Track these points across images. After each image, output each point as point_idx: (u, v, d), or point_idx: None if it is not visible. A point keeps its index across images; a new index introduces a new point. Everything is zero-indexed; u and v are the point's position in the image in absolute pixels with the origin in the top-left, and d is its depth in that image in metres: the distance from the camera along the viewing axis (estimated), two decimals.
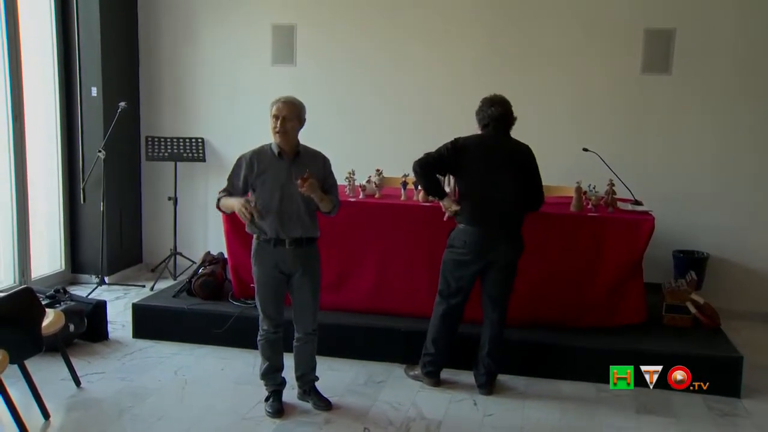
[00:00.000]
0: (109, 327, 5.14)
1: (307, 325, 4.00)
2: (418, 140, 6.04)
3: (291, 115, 3.76)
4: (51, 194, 6.31)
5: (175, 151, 6.46)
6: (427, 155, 4.27)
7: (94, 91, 6.19)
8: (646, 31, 5.81)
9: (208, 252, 5.78)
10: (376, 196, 5.12)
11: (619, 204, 5.02)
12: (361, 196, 5.09)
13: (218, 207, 3.95)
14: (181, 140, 6.51)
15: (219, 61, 6.59)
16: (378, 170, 5.14)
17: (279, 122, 3.75)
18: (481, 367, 4.34)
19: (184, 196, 6.65)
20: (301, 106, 3.83)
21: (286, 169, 3.81)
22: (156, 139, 6.50)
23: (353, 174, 5.16)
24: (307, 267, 3.90)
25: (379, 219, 4.95)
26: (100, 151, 6.02)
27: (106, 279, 6.26)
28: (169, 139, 6.50)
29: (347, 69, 6.36)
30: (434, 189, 4.37)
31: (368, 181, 5.18)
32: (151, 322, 5.09)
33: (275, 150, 3.83)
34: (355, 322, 4.84)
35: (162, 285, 6.05)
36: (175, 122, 6.71)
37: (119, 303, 5.80)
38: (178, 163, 6.50)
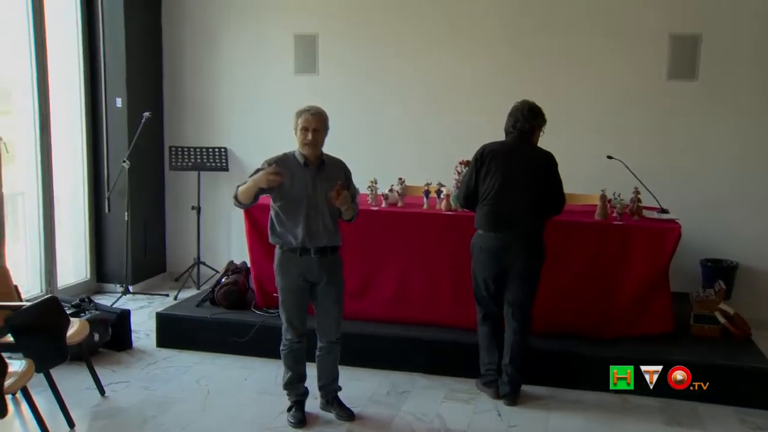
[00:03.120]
0: (133, 336, 5.19)
1: (331, 334, 4.00)
2: (440, 148, 6.16)
3: (320, 126, 3.78)
4: (76, 204, 6.39)
5: (199, 160, 6.52)
6: (461, 188, 4.39)
7: (119, 102, 6.27)
8: (672, 36, 5.76)
9: (231, 261, 5.80)
10: (399, 204, 5.13)
11: (645, 212, 4.97)
12: (383, 205, 5.10)
13: (236, 199, 3.82)
14: (204, 150, 6.56)
15: (242, 71, 6.63)
16: (400, 179, 5.15)
17: (310, 134, 3.76)
18: (504, 376, 4.31)
19: (208, 205, 6.69)
20: (327, 117, 3.86)
21: (312, 178, 3.83)
22: (179, 149, 6.55)
23: (375, 183, 5.16)
24: (332, 276, 3.91)
25: (401, 228, 4.96)
26: (124, 162, 6.09)
27: (131, 288, 6.32)
28: (192, 149, 6.56)
29: (369, 77, 6.37)
30: None
31: (390, 190, 5.19)
32: (174, 332, 5.12)
33: (300, 159, 3.84)
34: (378, 332, 4.84)
35: (185, 294, 6.09)
36: (198, 132, 6.76)
37: (143, 312, 5.84)
38: (202, 173, 6.55)
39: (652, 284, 4.66)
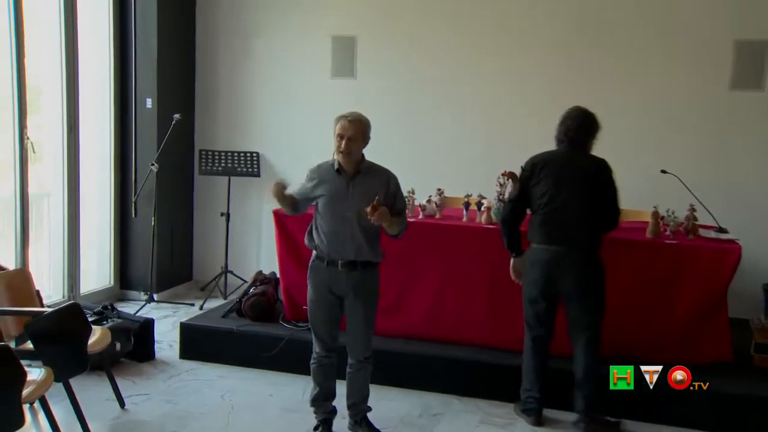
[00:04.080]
0: (156, 346, 5.22)
1: (359, 352, 3.97)
2: (482, 159, 6.14)
3: (356, 134, 3.74)
4: (102, 207, 6.47)
5: (229, 165, 6.56)
6: (505, 203, 4.39)
7: (149, 103, 6.34)
8: (737, 42, 5.63)
9: (260, 271, 5.83)
10: (437, 216, 5.09)
11: (701, 231, 4.87)
12: (420, 217, 5.07)
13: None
14: (235, 154, 6.60)
15: (277, 73, 6.67)
16: (439, 190, 5.13)
17: (344, 143, 3.74)
18: (575, 404, 4.23)
19: (237, 212, 6.72)
20: (367, 124, 3.81)
21: (344, 187, 3.81)
22: (210, 153, 6.60)
23: (413, 193, 5.14)
24: (360, 291, 3.87)
25: (439, 241, 4.93)
26: (153, 164, 6.15)
27: (155, 296, 6.37)
28: (223, 153, 6.60)
29: (409, 83, 6.37)
30: (510, 241, 4.36)
31: (428, 201, 5.16)
32: (198, 343, 5.15)
33: (336, 166, 3.84)
34: (412, 350, 4.81)
35: (211, 304, 6.12)
36: (229, 135, 6.81)
37: (167, 321, 5.89)
38: (232, 178, 6.58)
39: (708, 309, 4.56)
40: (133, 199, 6.34)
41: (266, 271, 5.81)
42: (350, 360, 4.02)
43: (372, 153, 4.03)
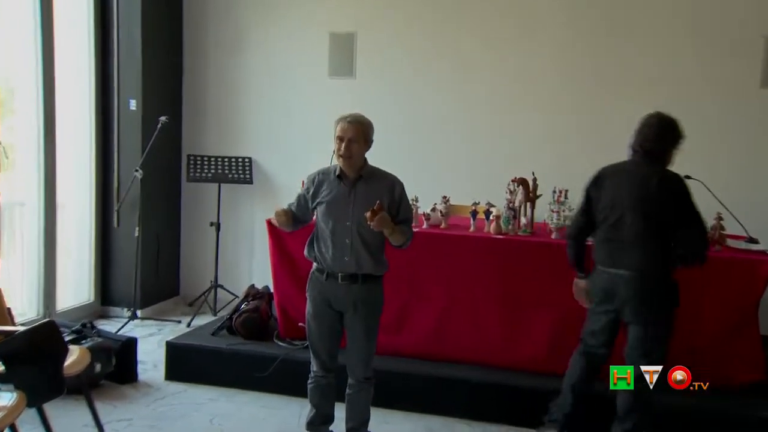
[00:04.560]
0: (140, 367, 5.17)
1: (359, 372, 3.93)
2: (491, 164, 6.12)
3: (357, 136, 3.73)
4: (82, 217, 6.41)
5: (220, 171, 6.53)
6: (575, 217, 4.29)
7: (133, 104, 6.31)
8: None
9: (252, 285, 5.79)
10: (442, 226, 5.09)
11: (729, 241, 4.83)
12: (424, 226, 5.06)
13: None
14: (226, 160, 6.58)
15: (270, 73, 6.65)
16: (444, 197, 5.12)
17: (344, 145, 3.72)
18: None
19: (228, 221, 6.70)
20: (369, 126, 3.80)
21: (344, 194, 3.79)
22: (199, 158, 6.57)
23: (417, 201, 5.13)
24: (361, 307, 3.84)
25: (444, 252, 4.92)
26: (137, 170, 6.11)
27: (139, 313, 6.32)
28: (213, 159, 6.58)
29: (412, 82, 6.35)
30: (574, 259, 4.27)
31: (433, 209, 5.16)
32: (186, 363, 5.10)
33: (336, 172, 3.83)
34: (415, 370, 4.79)
35: (200, 321, 6.08)
36: (220, 140, 6.79)
37: (152, 340, 5.83)
38: (222, 185, 6.56)
39: (737, 325, 4.51)
40: (116, 208, 6.30)
41: (259, 285, 5.77)
42: (350, 380, 3.98)
43: (372, 157, 3.99)
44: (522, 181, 5.02)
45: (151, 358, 5.42)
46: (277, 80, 6.64)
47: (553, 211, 4.91)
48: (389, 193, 3.81)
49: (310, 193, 3.87)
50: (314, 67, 6.52)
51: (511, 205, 4.95)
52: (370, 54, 6.41)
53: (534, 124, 6.00)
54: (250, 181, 6.57)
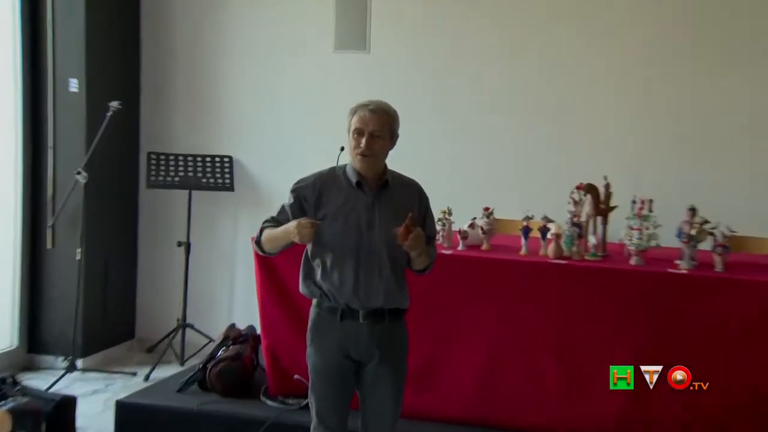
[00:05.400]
0: None
1: None
2: (547, 166, 6.16)
3: (382, 129, 3.70)
4: (3, 235, 6.39)
5: (191, 174, 6.58)
6: None
7: (74, 85, 6.35)
8: None
9: (233, 326, 5.83)
10: (484, 247, 5.14)
11: None
12: (460, 248, 5.10)
13: (258, 245, 3.86)
14: (199, 159, 6.63)
15: (256, 47, 6.72)
16: (486, 209, 5.14)
17: (365, 140, 3.69)
18: None
19: (201, 241, 6.75)
20: (396, 117, 3.80)
21: (368, 207, 3.76)
22: (162, 157, 6.61)
23: (449, 214, 5.16)
24: (389, 353, 3.82)
25: (487, 282, 4.93)
26: (79, 173, 6.11)
27: (79, 363, 6.33)
28: (181, 158, 6.62)
29: (443, 58, 6.40)
30: None
31: (471, 226, 5.18)
32: (143, 429, 5.12)
33: (352, 177, 3.78)
34: None
35: (162, 373, 6.13)
36: (191, 133, 6.86)
37: (97, 399, 5.86)
38: (194, 193, 6.60)
39: None
40: (49, 224, 6.33)
41: (242, 326, 5.81)
42: None
43: (392, 156, 4.00)
44: (590, 189, 5.01)
45: (94, 424, 5.43)
46: (266, 56, 6.71)
47: (632, 228, 4.86)
48: (417, 203, 3.86)
49: (310, 203, 3.78)
50: (315, 39, 6.59)
51: (575, 219, 4.94)
52: (389, 21, 6.47)
53: (607, 114, 6.07)
54: (230, 187, 6.61)
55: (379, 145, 3.72)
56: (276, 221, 3.83)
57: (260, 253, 3.93)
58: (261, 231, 3.84)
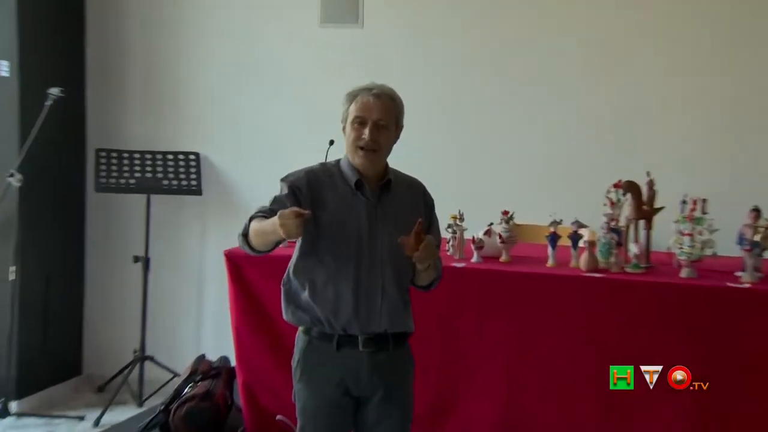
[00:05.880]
0: None
1: None
2: (576, 160, 6.19)
3: (388, 118, 3.73)
4: None
5: (149, 175, 6.56)
6: None
7: (5, 68, 6.33)
8: None
9: (202, 357, 5.86)
10: (503, 258, 5.14)
11: None
12: (474, 260, 5.11)
13: (246, 241, 3.70)
14: (159, 157, 6.62)
15: (228, 23, 6.74)
16: (505, 213, 5.12)
17: (368, 131, 3.69)
18: None
19: (163, 255, 6.75)
20: (401, 105, 3.83)
21: (369, 212, 3.76)
22: (114, 155, 6.60)
23: (460, 219, 5.18)
24: (394, 386, 3.83)
25: (507, 301, 4.92)
26: (12, 174, 6.09)
27: (14, 406, 6.32)
28: (137, 155, 6.61)
29: (455, 35, 6.40)
30: None
31: (487, 233, 5.18)
32: None
33: (350, 176, 3.77)
34: None
35: (116, 416, 6.15)
36: (148, 125, 6.87)
37: None
38: (154, 198, 6.59)
39: None
40: None
41: (213, 357, 5.83)
42: None
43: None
44: (630, 187, 4.98)
45: None
46: (239, 33, 6.71)
47: (682, 234, 4.83)
48: (423, 207, 3.89)
49: (304, 194, 3.73)
50: (297, 10, 6.60)
51: (613, 224, 4.92)
52: None
53: (657, 94, 6.06)
54: (197, 191, 6.61)
55: (385, 138, 3.73)
56: (271, 211, 3.66)
57: (248, 251, 3.76)
58: (250, 221, 3.69)
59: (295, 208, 3.46)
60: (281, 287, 3.86)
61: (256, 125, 6.72)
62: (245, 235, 3.69)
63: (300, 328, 3.86)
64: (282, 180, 3.78)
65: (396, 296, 3.78)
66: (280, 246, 3.74)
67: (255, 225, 3.64)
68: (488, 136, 6.41)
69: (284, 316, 3.87)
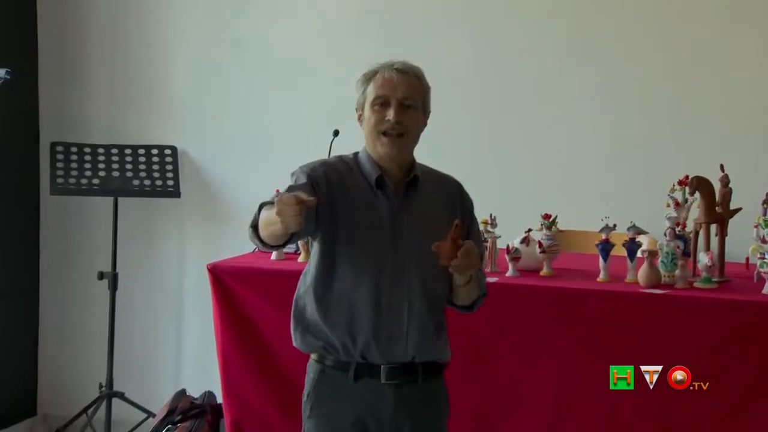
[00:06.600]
0: None
1: None
2: (637, 155, 6.22)
3: (415, 98, 3.72)
4: None
5: (115, 174, 6.59)
6: None
7: None
8: None
9: (182, 392, 5.91)
10: (544, 272, 5.20)
11: None
12: (509, 273, 5.16)
13: (256, 233, 3.60)
14: (127, 152, 6.65)
15: None
16: (547, 217, 5.17)
17: (393, 112, 3.67)
18: None
19: (133, 270, 6.78)
20: (428, 85, 3.81)
21: (392, 213, 3.77)
22: (74, 150, 6.63)
23: (492, 225, 5.22)
24: (424, 426, 3.84)
25: (550, 322, 4.95)
26: None
27: None
28: (101, 150, 6.65)
29: (490, 7, 6.48)
30: None
31: (526, 241, 5.22)
32: None
33: (370, 172, 3.78)
34: None
35: None
36: (115, 114, 6.91)
37: None
38: (122, 202, 6.62)
39: None
40: None
41: (195, 393, 5.88)
42: None
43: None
44: (700, 184, 4.97)
45: None
46: (222, 11, 6.78)
47: (765, 241, 4.83)
48: (460, 208, 3.88)
49: (322, 191, 3.66)
50: None
51: (678, 229, 4.93)
52: None
53: (728, 76, 6.12)
54: (174, 192, 6.63)
55: (413, 119, 3.70)
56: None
57: (259, 245, 3.72)
58: (260, 210, 3.60)
59: (298, 193, 3.31)
60: (292, 305, 3.83)
61: (244, 113, 6.75)
62: (255, 226, 3.58)
63: (311, 356, 3.84)
64: (295, 172, 3.73)
65: (426, 317, 3.74)
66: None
67: (264, 214, 3.54)
68: (527, 127, 6.46)
69: (293, 342, 3.85)
